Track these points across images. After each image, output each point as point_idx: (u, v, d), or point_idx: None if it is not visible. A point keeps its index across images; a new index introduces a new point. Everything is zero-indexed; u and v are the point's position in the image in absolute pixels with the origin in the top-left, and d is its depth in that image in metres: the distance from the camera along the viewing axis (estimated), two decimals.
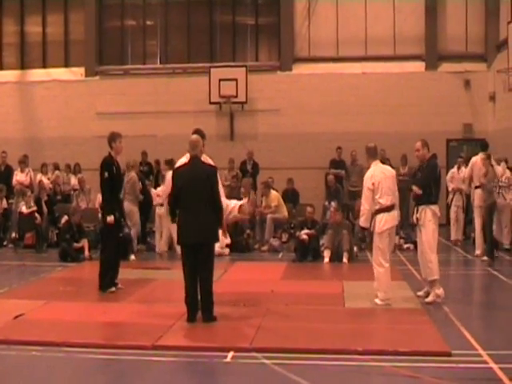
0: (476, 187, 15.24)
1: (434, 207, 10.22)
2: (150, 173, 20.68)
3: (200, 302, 9.02)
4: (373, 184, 10.02)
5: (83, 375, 7.03)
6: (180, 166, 9.48)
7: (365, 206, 10.05)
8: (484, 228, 14.89)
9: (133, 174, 16.18)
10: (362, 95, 22.21)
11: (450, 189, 17.20)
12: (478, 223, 15.25)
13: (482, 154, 15.34)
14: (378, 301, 10.03)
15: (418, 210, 10.31)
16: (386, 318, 9.37)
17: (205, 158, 9.72)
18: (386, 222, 10.04)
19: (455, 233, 17.23)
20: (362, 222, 10.14)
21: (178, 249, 9.56)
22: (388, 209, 10.07)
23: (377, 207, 10.03)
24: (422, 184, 10.39)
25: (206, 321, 8.93)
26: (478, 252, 15.13)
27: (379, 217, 10.03)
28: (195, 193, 8.94)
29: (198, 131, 9.86)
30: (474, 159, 15.67)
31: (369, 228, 10.15)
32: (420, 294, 10.56)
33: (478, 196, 15.16)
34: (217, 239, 9.32)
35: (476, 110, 22.17)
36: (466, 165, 18.37)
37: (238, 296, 10.29)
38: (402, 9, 22.60)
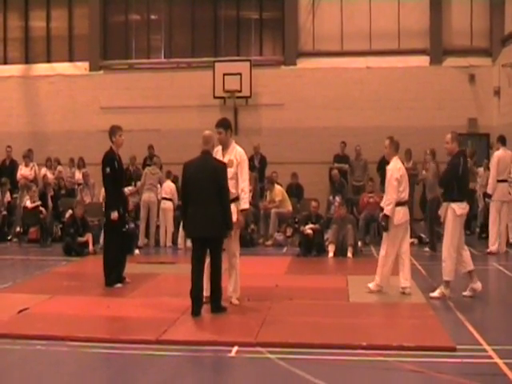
0: (498, 181, 15.02)
1: (455, 205, 10.08)
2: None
3: (210, 294, 9.17)
4: (401, 176, 10.29)
5: (87, 369, 7.04)
6: (190, 161, 9.45)
7: (392, 195, 10.22)
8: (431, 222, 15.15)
9: (158, 170, 17.11)
10: (367, 90, 22.15)
11: None
12: (493, 217, 15.07)
13: (503, 148, 15.18)
14: (370, 285, 10.39)
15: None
16: (391, 312, 9.36)
17: (234, 147, 9.74)
18: (404, 214, 10.34)
19: None
20: (389, 210, 10.23)
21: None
22: (406, 203, 10.42)
23: (398, 199, 10.25)
24: (441, 182, 10.59)
25: (214, 311, 9.05)
26: (492, 248, 14.82)
27: (398, 209, 10.27)
28: (202, 188, 9.01)
29: (223, 121, 9.85)
30: (497, 153, 15.26)
31: (391, 217, 10.24)
32: (466, 293, 10.23)
33: (498, 190, 15.01)
34: (224, 233, 9.23)
35: (481, 105, 22.10)
36: (470, 159, 18.33)
37: (243, 290, 10.25)
38: (407, 3, 22.51)
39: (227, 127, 9.69)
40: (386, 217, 10.26)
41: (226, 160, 9.52)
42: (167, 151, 21.03)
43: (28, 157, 19.53)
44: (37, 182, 19.04)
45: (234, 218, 9.44)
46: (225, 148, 9.71)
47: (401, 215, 10.28)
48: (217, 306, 9.15)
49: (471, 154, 18.59)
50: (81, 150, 21.45)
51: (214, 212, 8.97)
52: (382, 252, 10.44)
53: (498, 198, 15.02)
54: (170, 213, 16.53)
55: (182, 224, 13.82)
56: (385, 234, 10.47)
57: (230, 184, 9.38)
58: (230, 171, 9.48)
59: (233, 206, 9.42)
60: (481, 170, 17.89)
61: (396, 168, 10.34)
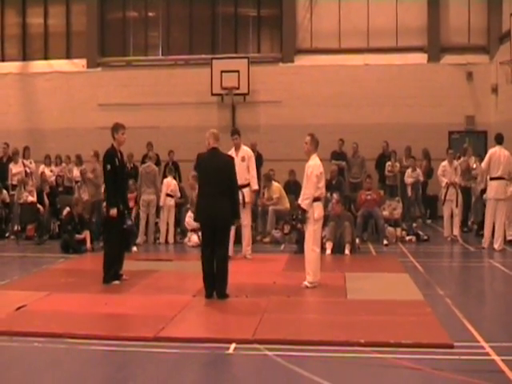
0: (491, 179, 14.97)
1: None
2: (156, 164, 20.17)
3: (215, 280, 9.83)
4: (320, 173, 10.63)
5: (85, 367, 7.03)
6: (203, 153, 10.42)
7: (311, 190, 10.48)
8: None
9: (153, 166, 16.97)
10: (364, 87, 22.18)
11: (443, 184, 16.71)
12: (488, 215, 15.00)
13: (498, 147, 15.09)
14: (307, 283, 10.54)
15: None
16: (389, 309, 9.34)
17: (242, 147, 13.55)
18: (321, 209, 10.70)
19: (448, 229, 16.69)
20: (307, 205, 10.47)
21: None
22: (321, 198, 10.74)
23: (316, 194, 10.51)
24: None
25: (219, 297, 9.69)
26: (484, 244, 14.91)
27: (316, 204, 10.56)
28: (212, 181, 9.88)
29: (237, 129, 14.08)
30: (491, 151, 15.21)
31: (307, 212, 10.49)
32: None
33: (492, 188, 14.95)
34: (231, 223, 10.33)
35: (478, 102, 22.14)
36: (460, 157, 18.36)
37: (241, 287, 10.29)
38: (405, 0, 22.55)
39: (240, 134, 13.67)
40: (304, 211, 10.54)
41: (239, 157, 13.08)
42: (165, 148, 21.04)
43: (17, 154, 19.31)
44: (31, 178, 18.85)
45: (247, 197, 13.18)
46: (237, 149, 13.37)
47: (320, 210, 10.62)
48: (221, 292, 9.71)
49: (467, 151, 18.58)
50: (79, 147, 21.42)
51: (222, 203, 9.81)
52: (308, 250, 10.62)
53: (491, 197, 14.96)
54: (173, 209, 16.55)
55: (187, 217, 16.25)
56: (307, 232, 10.69)
57: (245, 173, 13.08)
58: (244, 164, 13.21)
59: (247, 189, 13.10)
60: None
61: (316, 165, 10.65)
